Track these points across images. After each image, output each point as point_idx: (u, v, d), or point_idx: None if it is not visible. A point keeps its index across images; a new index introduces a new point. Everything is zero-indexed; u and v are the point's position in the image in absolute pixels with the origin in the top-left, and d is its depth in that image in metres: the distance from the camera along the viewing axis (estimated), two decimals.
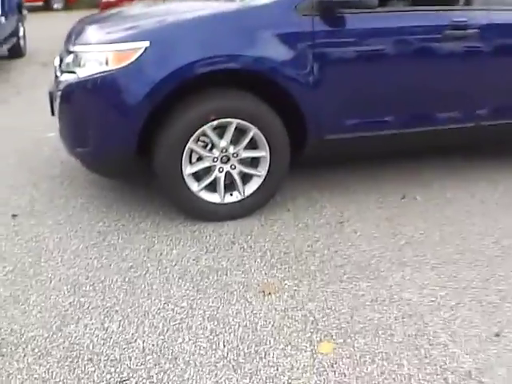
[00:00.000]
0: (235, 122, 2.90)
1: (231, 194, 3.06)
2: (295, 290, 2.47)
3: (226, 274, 2.59)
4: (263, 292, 2.45)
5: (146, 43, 2.75)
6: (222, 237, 2.93)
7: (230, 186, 3.05)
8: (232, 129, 2.92)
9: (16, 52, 8.68)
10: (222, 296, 2.43)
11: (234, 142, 2.97)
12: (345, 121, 3.13)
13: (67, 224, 3.10)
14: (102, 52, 2.82)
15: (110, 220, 3.13)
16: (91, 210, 3.26)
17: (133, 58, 2.74)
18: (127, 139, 2.85)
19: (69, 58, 3.05)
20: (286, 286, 2.49)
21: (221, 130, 2.94)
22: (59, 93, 3.02)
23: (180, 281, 2.55)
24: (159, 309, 2.35)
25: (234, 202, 3.06)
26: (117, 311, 2.34)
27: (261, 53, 2.89)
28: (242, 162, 3.03)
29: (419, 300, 2.39)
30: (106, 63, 2.80)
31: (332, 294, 2.44)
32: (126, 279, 2.57)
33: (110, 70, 2.78)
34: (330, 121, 3.09)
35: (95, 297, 2.44)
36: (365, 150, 3.38)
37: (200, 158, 2.99)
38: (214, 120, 2.86)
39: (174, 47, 2.80)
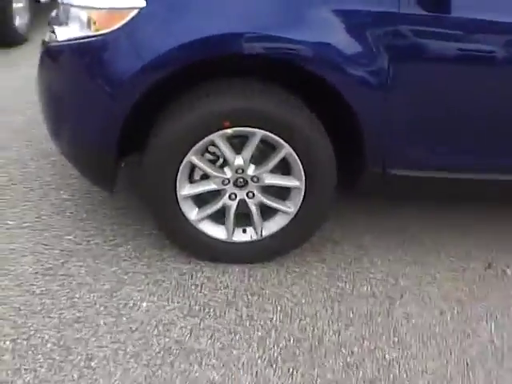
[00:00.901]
0: (260, 133, 1.99)
1: (244, 231, 2.19)
2: None
3: (195, 369, 1.74)
4: None
5: (141, 2, 1.87)
6: (217, 291, 2.08)
7: (243, 218, 2.17)
8: (255, 142, 2.01)
9: None
10: None
11: (257, 160, 2.07)
12: (426, 151, 2.13)
13: (30, 230, 2.35)
14: (83, 10, 1.97)
15: (84, 234, 2.34)
16: (68, 214, 2.48)
17: (119, 24, 1.87)
18: (104, 133, 2.01)
19: (54, 12, 2.25)
20: None
21: (239, 141, 2.05)
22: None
23: (130, 363, 1.74)
24: None
25: (247, 243, 2.19)
26: None
27: (311, 37, 1.92)
28: (265, 189, 2.13)
29: None
30: (88, 26, 1.96)
31: None
32: (62, 341, 1.80)
33: (88, 37, 1.93)
34: (402, 149, 2.11)
35: (10, 364, 1.69)
36: (446, 195, 2.36)
37: (205, 177, 2.12)
38: (228, 128, 1.97)
39: (184, 13, 1.89)
